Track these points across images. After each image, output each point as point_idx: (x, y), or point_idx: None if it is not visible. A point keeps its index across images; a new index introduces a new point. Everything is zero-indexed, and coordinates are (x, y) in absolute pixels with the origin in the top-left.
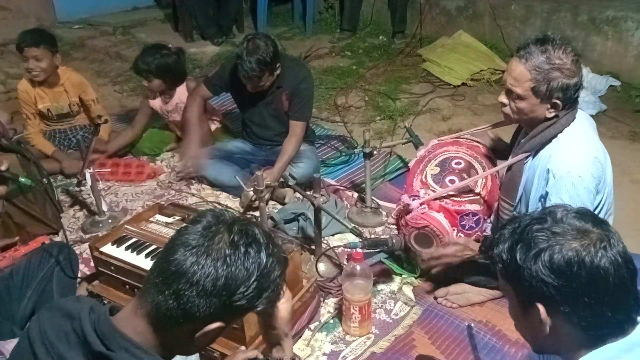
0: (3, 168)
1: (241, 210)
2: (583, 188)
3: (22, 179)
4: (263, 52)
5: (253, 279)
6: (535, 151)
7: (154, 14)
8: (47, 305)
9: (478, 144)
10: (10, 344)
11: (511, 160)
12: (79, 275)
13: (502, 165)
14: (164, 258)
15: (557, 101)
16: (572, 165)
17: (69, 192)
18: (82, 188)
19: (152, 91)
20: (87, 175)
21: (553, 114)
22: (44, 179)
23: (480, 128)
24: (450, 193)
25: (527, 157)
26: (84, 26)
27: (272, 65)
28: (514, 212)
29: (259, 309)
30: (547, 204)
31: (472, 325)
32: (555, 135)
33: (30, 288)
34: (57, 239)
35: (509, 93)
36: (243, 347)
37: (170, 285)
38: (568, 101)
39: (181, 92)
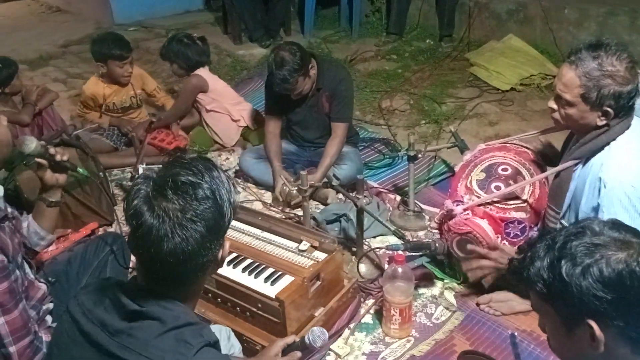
0: (65, 158)
1: (279, 208)
2: (638, 199)
3: (80, 169)
4: (290, 61)
5: (225, 201)
6: (585, 159)
7: (205, 17)
8: (81, 287)
9: (527, 150)
10: None
11: (559, 166)
12: (131, 265)
13: (550, 171)
14: (154, 260)
15: (609, 109)
16: (625, 175)
17: (123, 186)
18: None
19: (177, 75)
20: (141, 170)
21: (604, 122)
22: (100, 173)
23: (529, 134)
24: (496, 199)
25: (576, 165)
26: (138, 29)
27: (302, 69)
28: (562, 221)
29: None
30: (600, 215)
31: (516, 334)
32: (608, 143)
33: (86, 275)
34: (111, 230)
35: (558, 99)
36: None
37: (183, 268)
38: (621, 109)
39: None
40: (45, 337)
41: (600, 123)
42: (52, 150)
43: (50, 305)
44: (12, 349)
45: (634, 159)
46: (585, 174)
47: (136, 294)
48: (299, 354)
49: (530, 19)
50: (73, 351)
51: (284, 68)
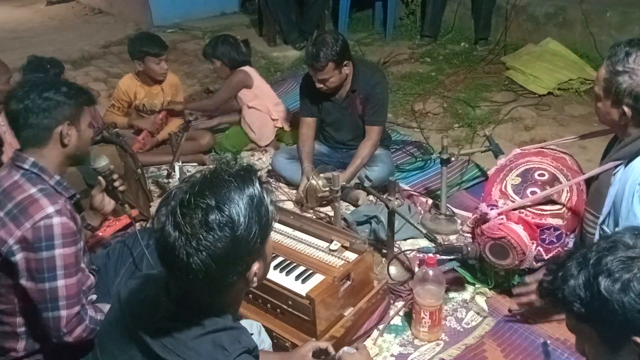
0: (121, 188)
1: (306, 206)
2: None
3: (127, 206)
4: (329, 44)
5: (247, 228)
6: (627, 161)
7: (240, 20)
8: (133, 276)
9: (564, 156)
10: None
11: (599, 169)
12: None
13: (589, 174)
14: (173, 271)
15: (626, 108)
16: None
17: (158, 183)
18: (171, 180)
19: (218, 73)
20: (176, 168)
21: (624, 123)
22: (138, 169)
23: (567, 139)
24: (532, 205)
25: (617, 167)
26: (176, 30)
27: (338, 59)
28: (603, 227)
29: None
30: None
31: (548, 342)
32: None
33: (123, 268)
34: (147, 225)
35: (593, 92)
36: (314, 339)
37: (200, 286)
38: None
39: None
40: (90, 311)
41: (622, 122)
42: (115, 176)
43: (94, 297)
44: (63, 312)
45: None
46: (625, 178)
47: (177, 293)
48: None
49: (569, 23)
50: (118, 338)
51: (322, 47)
